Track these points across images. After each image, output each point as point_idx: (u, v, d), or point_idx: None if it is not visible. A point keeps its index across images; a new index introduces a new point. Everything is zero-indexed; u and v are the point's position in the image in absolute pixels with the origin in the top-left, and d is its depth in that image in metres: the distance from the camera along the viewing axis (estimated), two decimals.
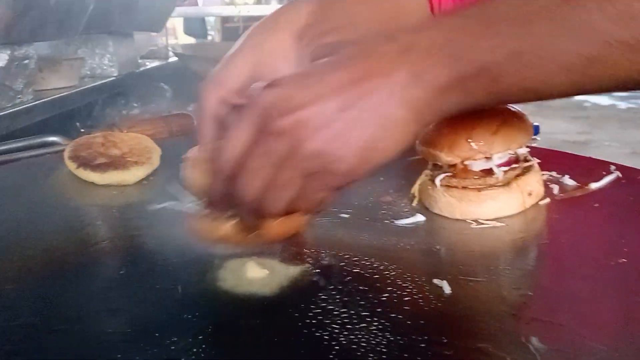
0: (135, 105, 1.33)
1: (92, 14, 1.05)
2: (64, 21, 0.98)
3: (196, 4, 2.77)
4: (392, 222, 0.56)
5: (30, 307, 0.42)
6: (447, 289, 0.42)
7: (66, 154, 0.73)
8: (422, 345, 0.36)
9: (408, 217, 0.57)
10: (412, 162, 0.75)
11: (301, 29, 0.49)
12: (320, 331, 0.37)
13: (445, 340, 0.36)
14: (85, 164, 0.71)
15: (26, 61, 0.92)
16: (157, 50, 2.00)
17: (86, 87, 1.14)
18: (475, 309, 0.41)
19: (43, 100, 0.95)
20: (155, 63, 1.75)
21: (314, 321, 0.39)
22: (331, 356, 0.35)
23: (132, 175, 0.71)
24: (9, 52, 0.87)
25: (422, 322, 0.39)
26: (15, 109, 0.88)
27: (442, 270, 0.46)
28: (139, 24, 1.45)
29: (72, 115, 1.03)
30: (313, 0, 0.51)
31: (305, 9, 0.50)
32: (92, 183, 0.70)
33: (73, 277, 0.47)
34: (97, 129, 0.83)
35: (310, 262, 0.47)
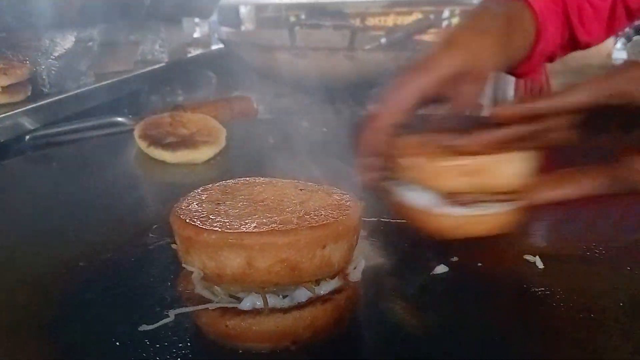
0: (180, 92, 1.35)
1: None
2: (129, 5, 1.00)
3: None
4: None
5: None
6: (540, 265, 0.42)
7: (136, 133, 0.74)
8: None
9: None
10: None
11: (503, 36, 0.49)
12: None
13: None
14: (156, 142, 0.72)
15: (90, 43, 0.94)
16: (200, 38, 2.02)
17: (146, 70, 1.16)
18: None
19: (107, 82, 0.96)
20: (199, 50, 1.77)
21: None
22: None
23: (202, 154, 0.72)
24: (75, 33, 0.89)
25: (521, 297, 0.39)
26: (80, 90, 0.89)
27: (530, 248, 0.46)
28: (190, 10, 1.47)
29: (132, 97, 1.05)
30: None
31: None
32: (162, 161, 0.72)
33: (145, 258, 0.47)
34: (163, 110, 0.85)
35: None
